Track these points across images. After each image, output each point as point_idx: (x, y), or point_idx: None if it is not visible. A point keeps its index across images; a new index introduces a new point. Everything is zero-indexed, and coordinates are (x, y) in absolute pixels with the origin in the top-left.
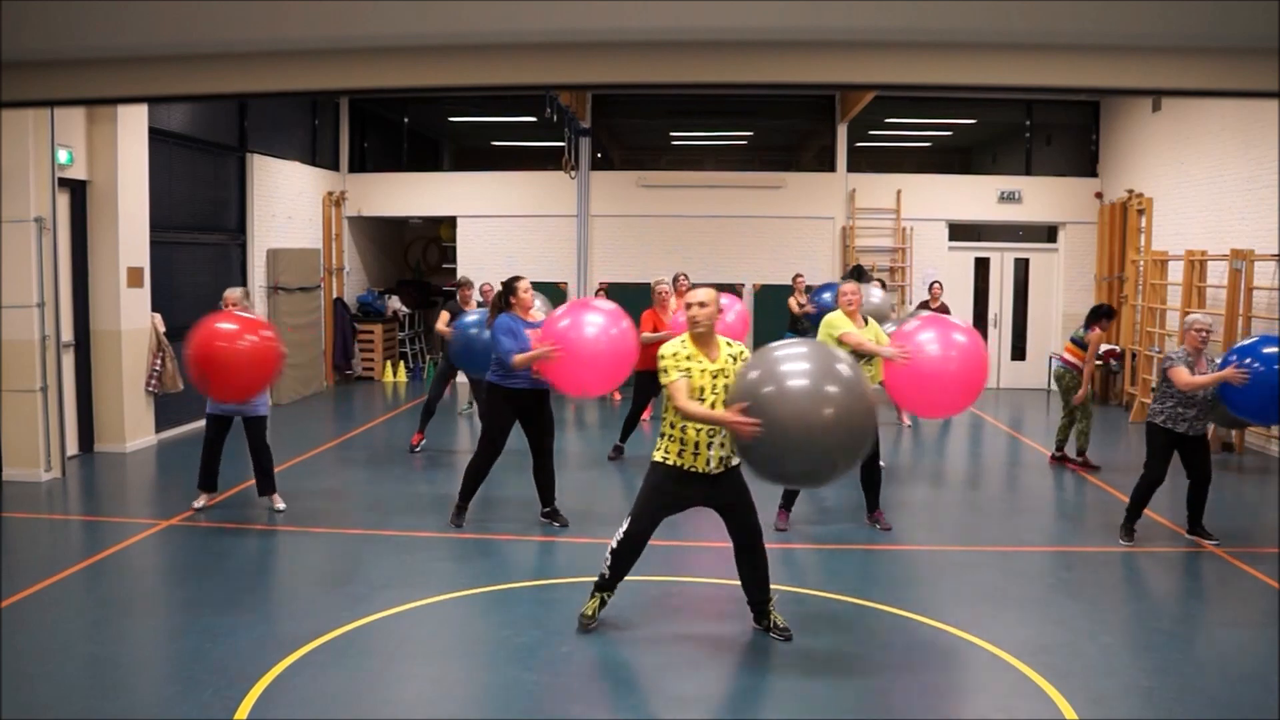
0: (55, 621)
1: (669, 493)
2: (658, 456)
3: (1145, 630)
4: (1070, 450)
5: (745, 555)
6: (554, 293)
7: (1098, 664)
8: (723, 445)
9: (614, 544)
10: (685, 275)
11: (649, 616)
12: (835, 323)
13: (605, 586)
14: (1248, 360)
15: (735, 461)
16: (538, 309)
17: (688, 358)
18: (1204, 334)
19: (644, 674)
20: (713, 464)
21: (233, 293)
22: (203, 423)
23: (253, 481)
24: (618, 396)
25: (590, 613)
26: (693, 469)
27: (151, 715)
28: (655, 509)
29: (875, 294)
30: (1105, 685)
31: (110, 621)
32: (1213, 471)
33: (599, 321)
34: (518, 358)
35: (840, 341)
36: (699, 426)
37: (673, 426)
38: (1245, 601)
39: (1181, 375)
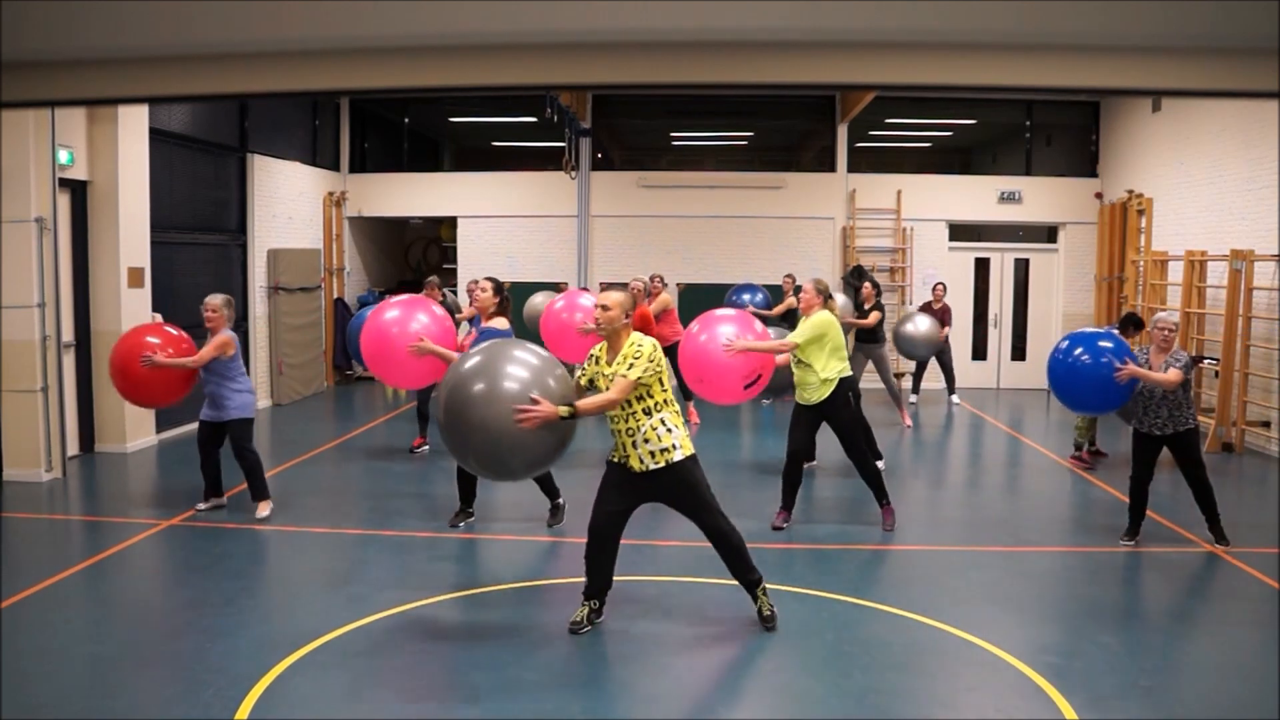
0: (56, 621)
1: (610, 486)
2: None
3: (1145, 630)
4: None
5: (716, 546)
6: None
7: (1098, 664)
8: (646, 442)
9: (585, 549)
10: (660, 277)
11: (648, 617)
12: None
13: (589, 594)
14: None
15: (676, 458)
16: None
17: (596, 361)
18: (1165, 332)
19: (643, 674)
20: (646, 461)
21: (213, 299)
22: None
23: None
24: None
25: (578, 619)
26: (625, 463)
27: (152, 715)
28: (600, 503)
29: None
30: (1105, 685)
31: (111, 621)
32: (1205, 474)
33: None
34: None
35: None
36: (618, 427)
37: (611, 422)
38: (1245, 601)
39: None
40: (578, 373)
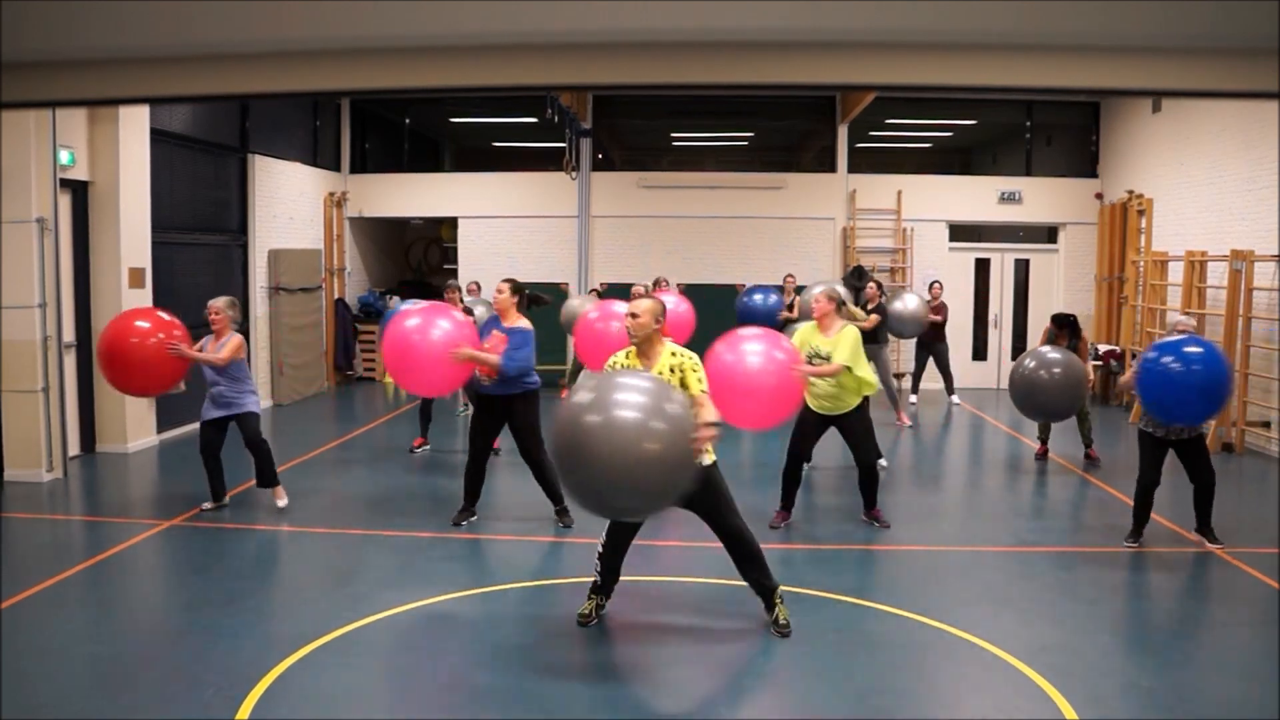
0: (57, 621)
1: None
2: None
3: (1145, 630)
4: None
5: (731, 550)
6: (555, 293)
7: (1098, 664)
8: None
9: (599, 547)
10: (665, 278)
11: (648, 617)
12: (803, 336)
13: (598, 590)
14: (1154, 356)
15: (705, 461)
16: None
17: (625, 368)
18: (1186, 333)
19: (643, 674)
20: None
21: (217, 302)
22: None
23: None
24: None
25: (586, 611)
26: None
27: (153, 715)
28: None
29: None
30: (1105, 685)
31: (112, 621)
32: (1213, 478)
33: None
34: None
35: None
36: None
37: None
38: (1245, 601)
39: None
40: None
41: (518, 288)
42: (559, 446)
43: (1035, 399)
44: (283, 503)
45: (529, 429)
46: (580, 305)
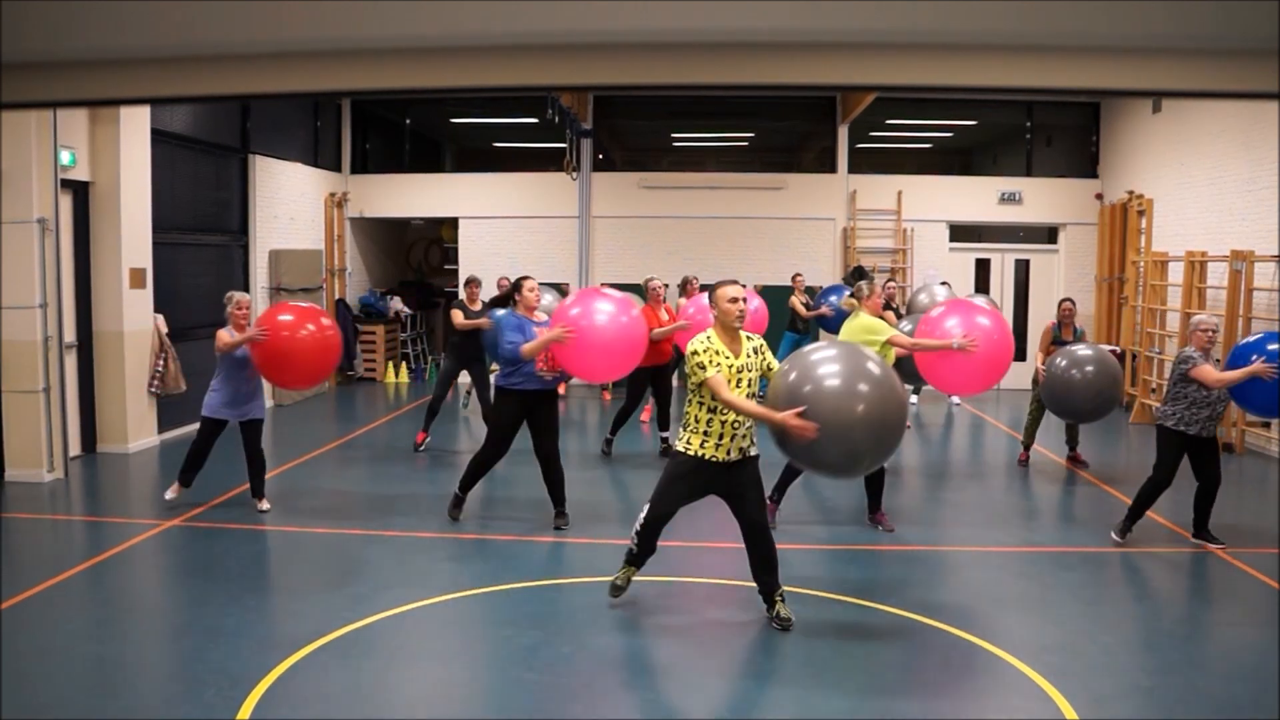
0: (58, 622)
1: (689, 481)
2: (680, 446)
3: (1145, 630)
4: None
5: (752, 543)
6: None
7: (1098, 664)
8: (745, 437)
9: (638, 526)
10: (695, 277)
11: (650, 617)
12: (876, 327)
13: (633, 561)
14: (1253, 357)
15: (754, 452)
16: (547, 305)
17: (716, 352)
18: (1210, 333)
19: (645, 674)
20: (733, 454)
21: (246, 296)
22: None
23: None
24: (607, 396)
25: (621, 581)
26: (713, 459)
27: (154, 715)
28: (675, 496)
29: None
30: (1105, 685)
31: (112, 621)
32: (1222, 477)
33: (610, 309)
34: (526, 346)
35: (890, 344)
36: (725, 419)
37: (697, 420)
38: (1245, 602)
39: (1210, 373)
40: (712, 369)
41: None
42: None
43: (1069, 401)
44: (265, 507)
45: (557, 424)
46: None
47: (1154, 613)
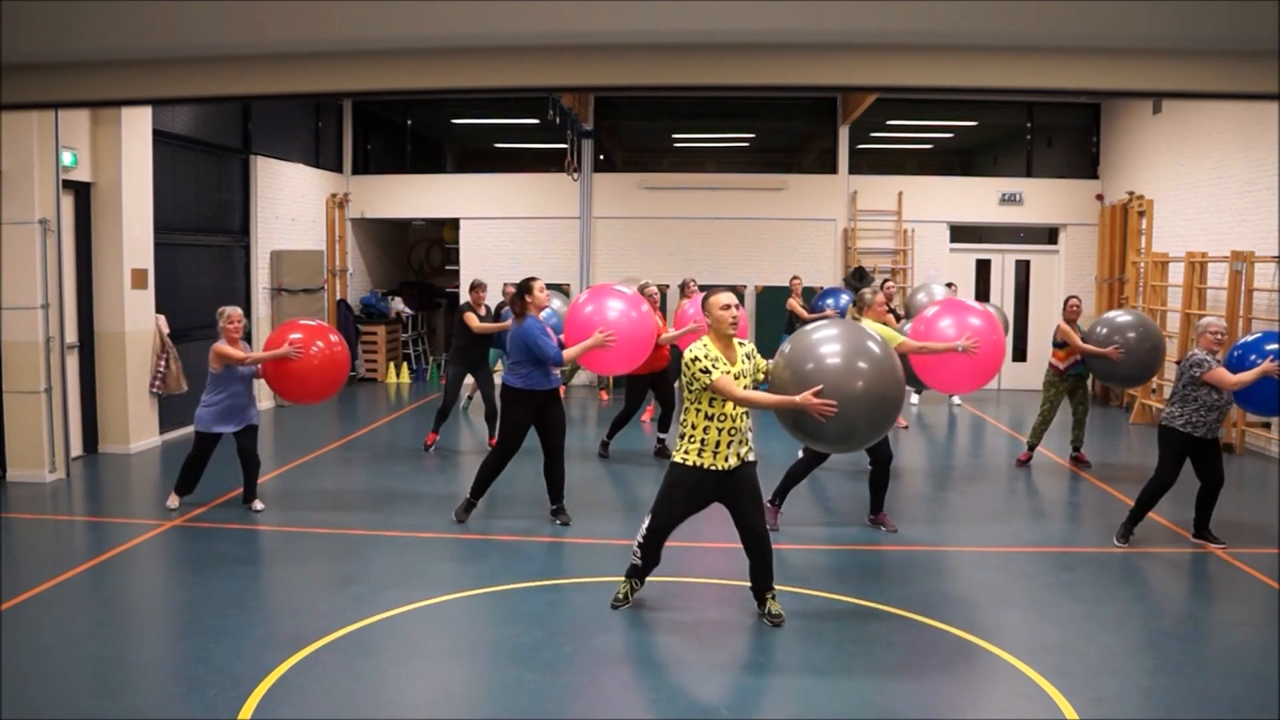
0: (59, 622)
1: (688, 492)
2: (677, 457)
3: (1145, 630)
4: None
5: (750, 548)
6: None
7: (1098, 664)
8: (742, 444)
9: (639, 538)
10: (693, 280)
11: (650, 617)
12: (882, 334)
13: (635, 574)
14: (1252, 357)
15: (751, 458)
16: (556, 307)
17: (716, 359)
18: (1219, 335)
19: (645, 674)
20: (730, 461)
21: (238, 310)
22: None
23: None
24: (605, 396)
25: (622, 595)
26: (712, 468)
27: (155, 715)
28: (674, 507)
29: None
30: (1105, 685)
31: (114, 622)
32: (1224, 478)
33: (620, 306)
34: (569, 351)
35: (899, 350)
36: (722, 426)
37: (694, 428)
38: (1245, 601)
39: (1226, 376)
40: (717, 373)
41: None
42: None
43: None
44: (259, 507)
45: (564, 421)
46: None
47: (1154, 613)
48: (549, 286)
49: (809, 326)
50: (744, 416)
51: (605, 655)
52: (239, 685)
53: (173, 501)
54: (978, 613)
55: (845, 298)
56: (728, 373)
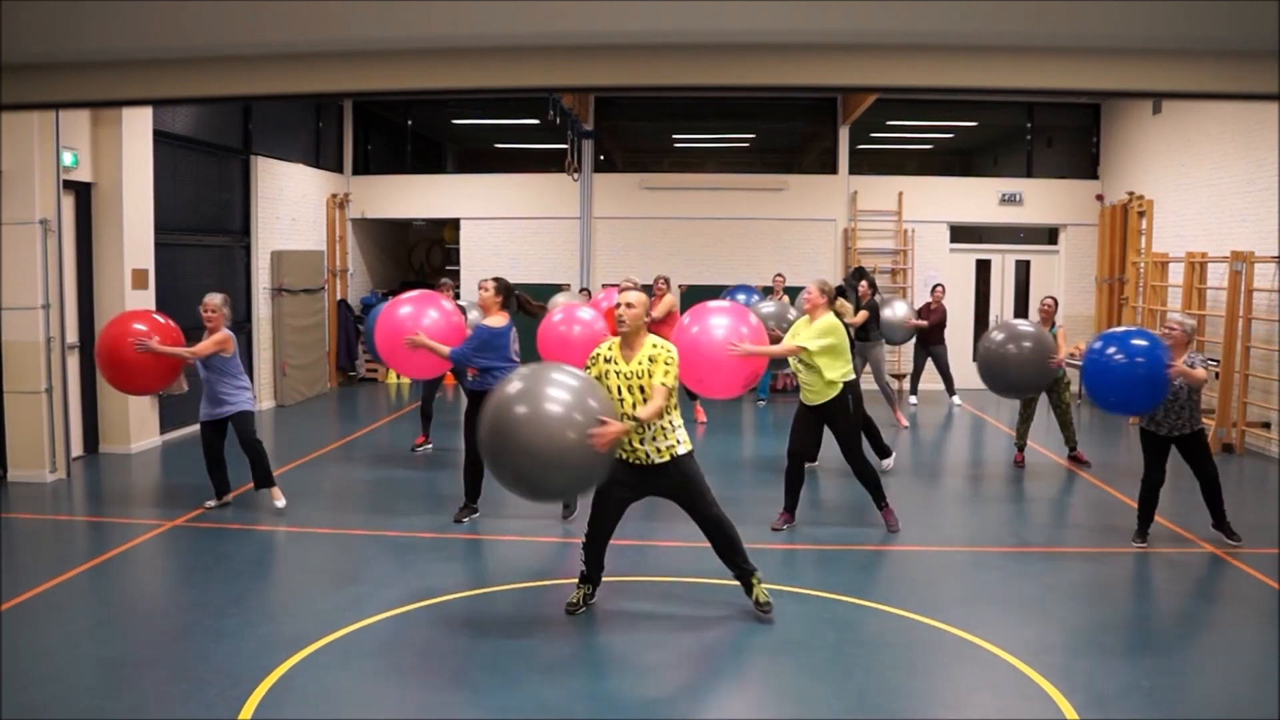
0: (60, 622)
1: (615, 482)
2: None
3: (1145, 630)
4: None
5: (709, 535)
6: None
7: (1098, 664)
8: (653, 440)
9: (584, 539)
10: (665, 278)
11: (647, 618)
12: (795, 327)
13: (586, 580)
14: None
15: (681, 450)
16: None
17: (607, 360)
18: (1178, 332)
19: (643, 675)
20: (653, 456)
21: (212, 299)
22: None
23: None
24: None
25: (575, 600)
26: (634, 460)
27: (156, 715)
28: (602, 497)
29: (766, 305)
30: (1105, 685)
31: (114, 622)
32: (1216, 472)
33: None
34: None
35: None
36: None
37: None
38: (1245, 601)
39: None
40: (593, 370)
41: (503, 287)
42: (487, 434)
43: (1005, 376)
44: (281, 503)
45: None
46: (562, 302)
47: (1154, 613)
48: (548, 286)
49: (526, 372)
50: (637, 409)
51: (603, 655)
52: (239, 685)
53: (210, 501)
54: (978, 613)
55: (755, 297)
56: (618, 374)
